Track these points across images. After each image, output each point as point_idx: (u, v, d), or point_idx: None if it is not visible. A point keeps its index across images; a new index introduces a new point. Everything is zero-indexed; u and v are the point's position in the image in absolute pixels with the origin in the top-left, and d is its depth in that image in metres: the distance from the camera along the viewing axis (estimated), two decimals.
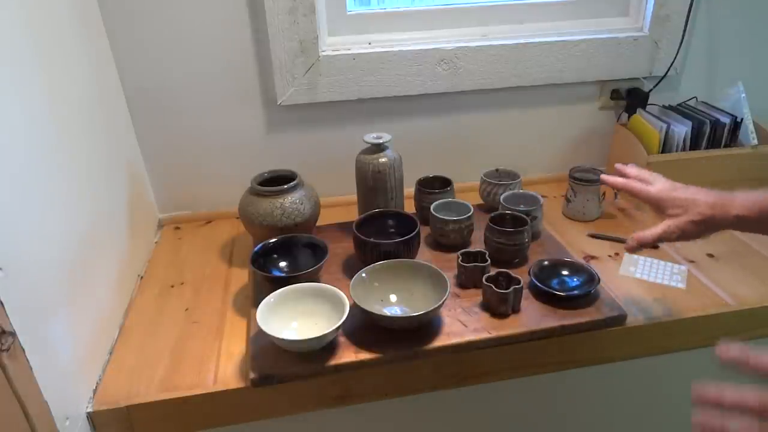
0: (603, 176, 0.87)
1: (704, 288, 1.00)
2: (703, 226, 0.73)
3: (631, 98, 1.33)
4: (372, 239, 0.97)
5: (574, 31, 1.28)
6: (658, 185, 0.80)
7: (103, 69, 1.06)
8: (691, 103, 1.33)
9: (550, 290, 0.92)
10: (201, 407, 0.82)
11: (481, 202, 1.24)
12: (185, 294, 1.04)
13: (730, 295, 0.98)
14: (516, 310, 0.91)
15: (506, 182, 1.20)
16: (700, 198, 0.74)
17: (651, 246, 0.77)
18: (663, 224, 0.76)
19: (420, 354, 0.85)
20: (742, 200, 0.72)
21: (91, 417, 0.79)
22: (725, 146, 1.25)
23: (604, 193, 1.23)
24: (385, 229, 1.07)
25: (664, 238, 0.76)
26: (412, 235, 0.98)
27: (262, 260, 0.97)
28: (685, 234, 0.75)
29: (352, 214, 1.14)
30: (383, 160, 1.09)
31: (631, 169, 0.85)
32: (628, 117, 1.33)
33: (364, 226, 1.02)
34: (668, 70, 1.29)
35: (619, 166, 0.87)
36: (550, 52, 1.25)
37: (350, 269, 0.96)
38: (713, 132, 1.23)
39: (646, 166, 1.20)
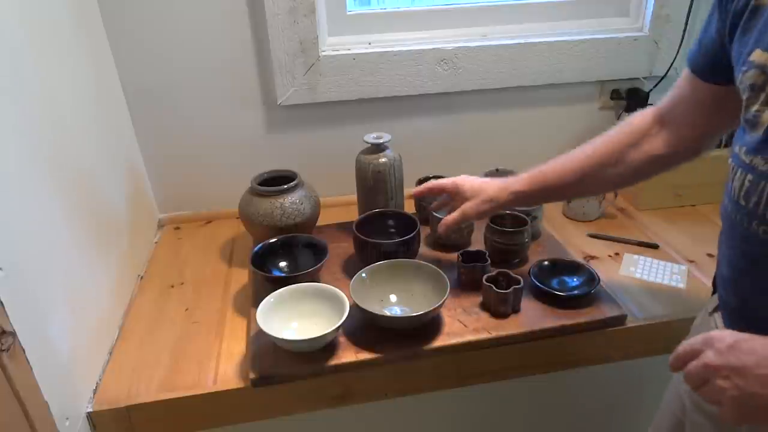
0: (414, 191, 0.99)
1: (704, 288, 1.00)
2: (491, 205, 0.88)
3: (631, 98, 1.33)
4: (372, 239, 0.97)
5: (574, 31, 1.28)
6: (453, 178, 0.93)
7: (103, 69, 1.06)
8: None
9: (550, 290, 0.92)
10: (201, 407, 0.82)
11: None
12: (185, 294, 1.04)
13: None
14: (516, 310, 0.91)
15: None
16: (487, 184, 0.90)
17: (454, 229, 0.93)
18: (460, 209, 0.90)
19: (420, 354, 0.85)
20: (516, 179, 0.87)
21: (91, 417, 0.79)
22: (725, 146, 1.25)
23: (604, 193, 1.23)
24: (385, 229, 1.07)
25: (464, 219, 0.90)
26: (412, 235, 0.98)
27: (262, 260, 0.97)
28: (479, 213, 0.89)
29: (352, 214, 1.14)
30: (383, 160, 1.09)
31: (429, 182, 0.99)
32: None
33: (363, 226, 1.02)
34: (668, 70, 1.29)
35: (415, 190, 1.00)
36: (550, 52, 1.25)
37: (350, 269, 0.96)
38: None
39: None
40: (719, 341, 0.55)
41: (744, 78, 0.58)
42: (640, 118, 0.82)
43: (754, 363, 0.52)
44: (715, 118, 0.74)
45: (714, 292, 0.76)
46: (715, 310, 0.72)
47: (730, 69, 0.64)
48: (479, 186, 0.90)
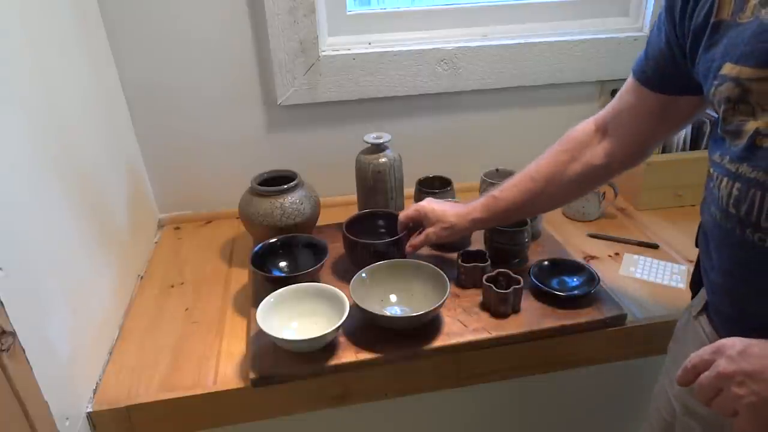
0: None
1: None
2: (451, 231, 0.92)
3: None
4: (362, 240, 0.97)
5: (574, 31, 1.28)
6: (421, 204, 0.98)
7: (103, 69, 1.06)
8: None
9: (550, 290, 0.92)
10: (201, 407, 0.82)
11: None
12: (185, 294, 1.04)
13: None
14: (516, 310, 0.91)
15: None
16: (448, 211, 0.94)
17: (418, 249, 0.98)
18: (424, 233, 0.95)
19: (420, 354, 0.85)
20: (474, 206, 0.91)
21: (91, 417, 0.79)
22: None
23: (604, 193, 1.23)
24: (375, 229, 1.07)
25: (427, 242, 0.95)
26: (401, 235, 0.98)
27: (262, 260, 0.97)
28: (440, 238, 0.94)
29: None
30: (383, 160, 1.09)
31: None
32: None
33: (353, 226, 1.02)
34: None
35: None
36: (550, 52, 1.25)
37: (350, 269, 0.96)
38: (711, 136, 1.23)
39: (646, 167, 1.20)
40: (730, 348, 0.54)
41: (717, 91, 0.59)
42: (581, 130, 0.85)
43: (766, 366, 0.51)
44: (660, 126, 0.77)
45: (694, 295, 0.76)
46: (700, 313, 0.72)
47: (681, 81, 0.68)
48: (441, 212, 0.94)
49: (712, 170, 0.63)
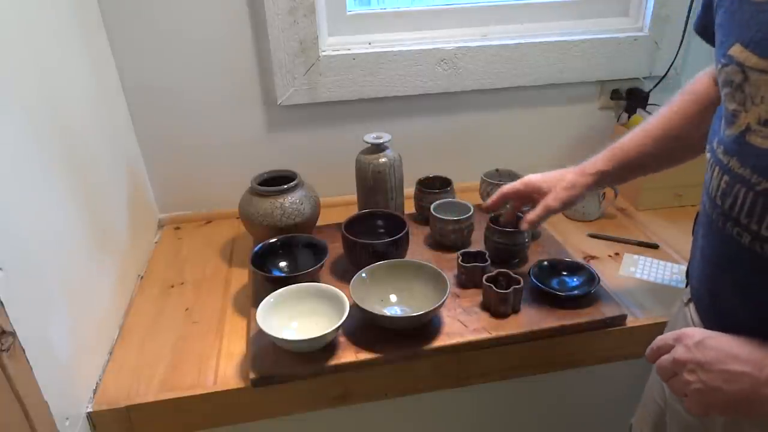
0: (483, 205, 0.97)
1: None
2: (573, 192, 0.86)
3: (631, 98, 1.33)
4: (361, 240, 0.97)
5: (574, 31, 1.28)
6: (522, 179, 0.92)
7: (103, 69, 1.06)
8: None
9: (550, 290, 0.92)
10: (201, 407, 0.82)
11: (481, 202, 1.24)
12: (185, 294, 1.04)
13: None
14: (516, 310, 0.91)
15: (506, 182, 1.19)
16: (563, 173, 0.87)
17: (538, 224, 0.90)
18: (542, 204, 0.87)
19: (420, 354, 0.85)
20: (594, 160, 0.85)
21: (91, 417, 0.79)
22: None
23: (603, 193, 1.23)
24: (374, 229, 1.07)
25: (548, 212, 0.87)
26: (400, 235, 0.98)
27: (262, 260, 0.97)
28: (562, 202, 0.86)
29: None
30: (383, 160, 1.09)
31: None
32: (628, 117, 1.33)
33: (352, 226, 1.02)
34: (668, 70, 1.29)
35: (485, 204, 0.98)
36: (550, 52, 1.25)
37: (350, 269, 0.96)
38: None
39: None
40: (689, 338, 0.59)
41: (723, 71, 0.58)
42: (705, 83, 0.77)
43: (717, 359, 0.56)
44: None
45: (688, 284, 0.76)
46: (690, 301, 0.73)
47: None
48: (555, 177, 0.88)
49: (708, 156, 0.63)
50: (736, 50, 0.55)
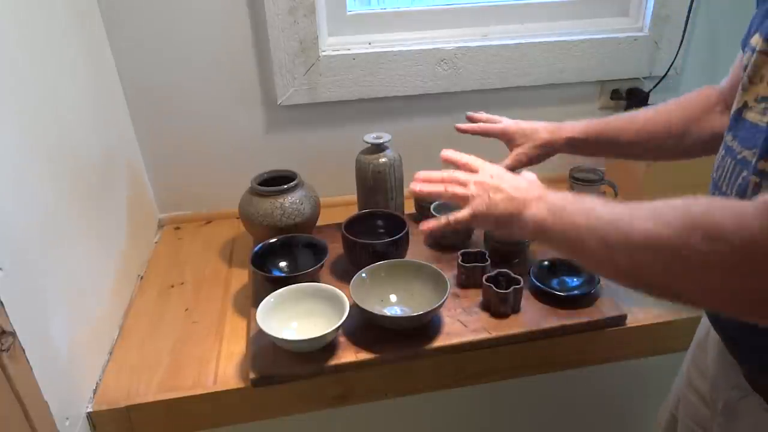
0: (457, 126, 0.97)
1: None
2: (544, 150, 0.87)
3: (631, 98, 1.33)
4: (361, 240, 0.97)
5: (574, 31, 1.28)
6: (505, 122, 0.93)
7: (103, 69, 1.06)
8: None
9: (550, 290, 0.93)
10: (201, 407, 0.82)
11: None
12: (185, 294, 1.04)
13: None
14: (516, 310, 0.91)
15: None
16: (538, 126, 0.88)
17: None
18: (512, 154, 0.89)
19: (420, 354, 0.85)
20: (573, 125, 0.87)
21: (91, 417, 0.79)
22: None
23: (604, 193, 1.23)
24: (374, 229, 1.07)
25: (516, 165, 0.89)
26: (400, 235, 0.98)
27: (262, 260, 0.97)
28: (530, 159, 0.89)
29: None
30: (383, 160, 1.09)
31: (481, 115, 0.99)
32: None
33: (352, 226, 1.02)
34: (668, 70, 1.29)
35: (469, 114, 1.00)
36: (550, 52, 1.25)
37: (350, 269, 0.96)
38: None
39: (646, 167, 1.20)
40: (490, 169, 0.71)
41: (745, 59, 0.60)
42: (705, 95, 0.80)
43: (508, 186, 0.66)
44: None
45: None
46: None
47: None
48: (531, 129, 0.88)
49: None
50: (754, 39, 0.57)
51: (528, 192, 0.65)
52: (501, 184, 0.67)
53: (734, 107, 0.60)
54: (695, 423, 0.75)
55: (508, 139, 0.91)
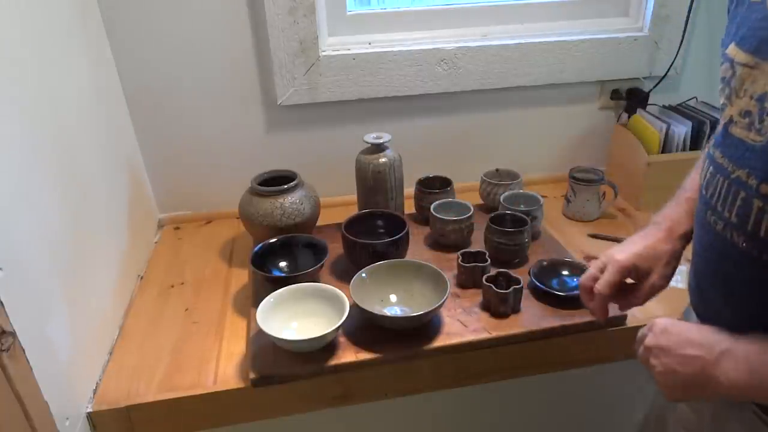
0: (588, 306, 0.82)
1: None
2: (675, 263, 0.76)
3: (631, 98, 1.33)
4: (361, 240, 0.97)
5: (574, 31, 1.28)
6: (616, 265, 0.76)
7: (103, 69, 1.06)
8: (691, 103, 1.33)
9: (550, 290, 0.92)
10: (201, 407, 0.82)
11: (481, 202, 1.24)
12: (185, 294, 1.04)
13: None
14: (516, 310, 0.91)
15: (506, 182, 1.20)
16: (653, 244, 0.76)
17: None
18: (648, 285, 0.76)
19: (420, 354, 0.85)
20: (674, 219, 0.76)
21: (91, 417, 0.79)
22: None
23: (604, 193, 1.23)
24: (374, 229, 1.07)
25: (655, 293, 0.77)
26: (400, 235, 0.98)
27: (262, 260, 0.97)
28: (668, 278, 0.77)
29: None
30: (383, 160, 1.09)
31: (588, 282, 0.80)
32: (628, 117, 1.33)
33: (352, 226, 1.02)
34: (668, 70, 1.29)
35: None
36: (550, 52, 1.25)
37: (350, 269, 0.96)
38: (713, 132, 1.23)
39: (646, 167, 1.20)
40: (657, 326, 0.64)
41: (721, 69, 0.60)
42: None
43: (675, 344, 0.61)
44: None
45: None
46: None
47: None
48: (648, 253, 0.76)
49: (706, 154, 0.66)
50: (731, 49, 0.57)
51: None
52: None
53: (721, 122, 0.60)
54: (686, 430, 0.74)
55: (629, 275, 0.77)
